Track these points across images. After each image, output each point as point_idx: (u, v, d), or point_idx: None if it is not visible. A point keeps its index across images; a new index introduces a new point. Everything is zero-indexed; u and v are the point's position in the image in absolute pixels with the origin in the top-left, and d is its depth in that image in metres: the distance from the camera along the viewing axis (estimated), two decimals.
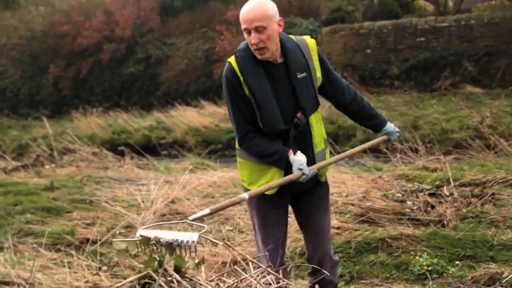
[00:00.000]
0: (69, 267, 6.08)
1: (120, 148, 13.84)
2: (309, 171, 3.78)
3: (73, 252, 6.51)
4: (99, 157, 13.15)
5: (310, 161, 3.91)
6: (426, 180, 7.34)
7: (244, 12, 3.77)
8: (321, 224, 4.19)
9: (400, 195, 6.76)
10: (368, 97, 18.21)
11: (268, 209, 4.06)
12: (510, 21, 18.40)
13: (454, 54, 19.37)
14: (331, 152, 4.42)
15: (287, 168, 3.86)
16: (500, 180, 7.04)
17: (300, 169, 3.75)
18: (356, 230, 6.12)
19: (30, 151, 18.20)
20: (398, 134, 4.34)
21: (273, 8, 3.79)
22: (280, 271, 3.71)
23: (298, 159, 3.79)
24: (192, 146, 15.92)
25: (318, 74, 3.96)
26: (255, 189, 3.83)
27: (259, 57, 3.81)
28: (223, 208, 3.73)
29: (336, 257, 4.39)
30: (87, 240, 7.10)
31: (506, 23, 18.64)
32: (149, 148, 14.57)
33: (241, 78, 3.84)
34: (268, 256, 4.03)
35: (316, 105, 3.98)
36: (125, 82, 25.03)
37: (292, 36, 3.97)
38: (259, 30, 3.71)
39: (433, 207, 6.39)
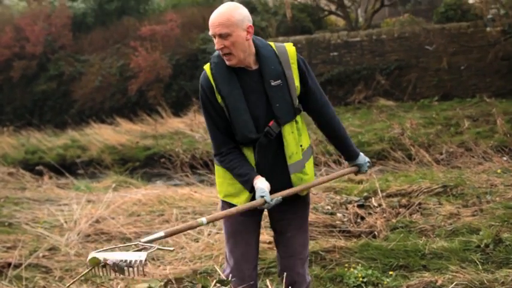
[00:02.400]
0: None
1: (37, 167, 13.45)
2: (272, 199, 3.65)
3: None
4: (15, 177, 12.73)
5: (284, 173, 3.84)
6: (353, 192, 7.44)
7: (211, 17, 3.71)
8: (293, 242, 4.06)
9: (329, 207, 6.82)
10: None
11: (238, 216, 3.88)
12: (419, 36, 18.98)
13: (367, 68, 19.84)
14: (317, 164, 4.40)
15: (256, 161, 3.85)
16: (425, 190, 7.22)
17: (262, 197, 3.65)
18: None
19: None
20: (368, 165, 4.21)
21: (240, 14, 3.69)
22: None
23: (261, 187, 3.67)
24: (109, 164, 15.63)
25: (297, 82, 3.85)
26: (215, 215, 3.79)
27: (227, 63, 3.75)
28: (179, 232, 3.60)
29: (309, 278, 4.19)
30: (9, 264, 6.82)
31: (415, 37, 19.23)
32: (65, 167, 14.22)
33: (214, 85, 3.79)
34: (235, 267, 3.99)
35: (293, 114, 3.84)
36: (37, 100, 24.44)
37: (271, 43, 3.89)
38: (222, 36, 3.65)
39: (363, 218, 6.48)
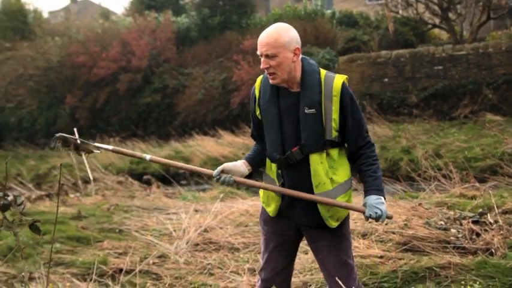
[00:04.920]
0: None
1: (145, 177, 13.76)
2: (218, 175, 3.91)
3: (109, 282, 6.35)
4: (124, 186, 13.07)
5: (309, 201, 3.84)
6: (466, 208, 7.18)
7: (260, 36, 3.77)
8: (326, 264, 3.98)
9: (442, 222, 6.60)
10: (387, 126, 18.13)
11: (269, 234, 4.10)
12: None
13: (473, 83, 19.35)
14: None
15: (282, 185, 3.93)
16: None
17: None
18: (400, 259, 5.95)
19: (48, 180, 18.15)
20: (376, 211, 3.79)
21: (288, 36, 3.71)
22: None
23: (221, 166, 3.95)
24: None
25: (335, 115, 3.76)
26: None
27: (270, 81, 3.81)
28: (124, 153, 4.15)
29: None
30: (120, 270, 6.94)
31: None
32: (166, 178, 14.47)
33: (257, 98, 3.96)
34: (264, 276, 4.09)
35: (321, 145, 3.78)
36: (142, 112, 25.08)
37: (322, 71, 3.84)
38: (269, 56, 3.70)
39: (478, 235, 6.23)
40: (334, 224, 3.88)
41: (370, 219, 3.83)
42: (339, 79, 3.78)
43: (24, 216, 3.47)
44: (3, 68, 30.85)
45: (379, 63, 21.40)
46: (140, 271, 6.72)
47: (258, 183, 3.98)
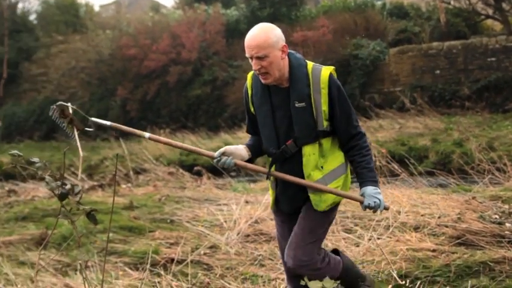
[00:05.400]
0: (158, 287, 5.99)
1: (196, 168, 13.85)
2: (219, 157, 3.96)
3: (161, 271, 6.40)
4: (175, 177, 13.19)
5: (300, 189, 3.99)
6: None
7: (247, 39, 3.83)
8: (296, 230, 4.08)
9: (497, 216, 6.46)
10: (438, 118, 17.88)
11: (277, 225, 4.37)
12: None
13: None
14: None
15: (277, 189, 4.15)
16: None
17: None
18: (453, 253, 5.86)
19: (99, 171, 18.42)
20: (375, 200, 3.88)
21: (275, 35, 3.82)
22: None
23: (223, 148, 4.03)
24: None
25: (324, 107, 3.87)
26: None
27: (262, 81, 3.90)
28: (123, 130, 4.16)
29: (320, 265, 4.10)
30: (172, 260, 6.99)
31: None
32: (217, 170, 14.54)
33: (249, 96, 4.09)
34: (283, 263, 4.28)
35: (314, 136, 3.91)
36: (192, 104, 25.23)
37: (309, 64, 3.95)
38: (260, 57, 3.78)
39: None
40: (325, 209, 4.00)
41: (367, 209, 3.94)
42: (325, 71, 3.88)
43: (81, 205, 3.52)
44: (56, 61, 31.41)
45: (431, 55, 21.14)
46: (191, 261, 6.77)
47: (255, 167, 4.07)
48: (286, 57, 3.90)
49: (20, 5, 36.22)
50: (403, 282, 5.12)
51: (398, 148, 14.60)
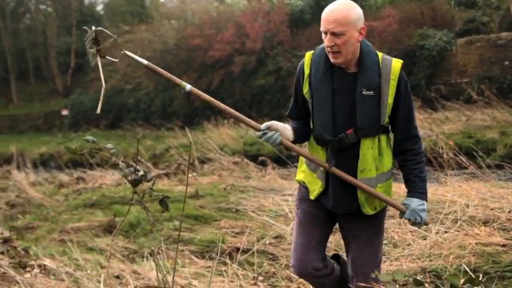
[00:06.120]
0: (225, 276, 6.02)
1: (260, 158, 13.88)
2: (265, 130, 3.64)
3: (227, 260, 6.43)
4: (240, 166, 13.24)
5: (352, 186, 3.69)
6: None
7: (325, 13, 3.57)
8: (357, 255, 3.88)
9: None
10: (507, 111, 17.47)
11: (304, 213, 3.97)
12: None
13: None
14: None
15: (326, 184, 3.79)
16: None
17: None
18: None
19: (164, 160, 18.64)
20: (416, 217, 3.72)
21: (356, 14, 3.54)
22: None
23: (269, 122, 3.71)
24: None
25: (390, 100, 3.62)
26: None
27: (331, 60, 3.61)
28: (161, 74, 3.71)
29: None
30: (237, 249, 7.02)
31: None
32: (281, 160, 14.54)
33: (306, 76, 3.73)
34: (296, 257, 3.94)
35: (376, 129, 3.65)
36: (256, 94, 25.27)
37: (379, 54, 3.69)
38: (336, 34, 3.51)
39: None
40: (370, 212, 3.77)
41: (405, 220, 3.81)
42: (397, 63, 3.65)
43: (153, 192, 3.54)
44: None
45: (500, 46, 20.62)
46: (257, 251, 6.77)
47: (304, 152, 3.81)
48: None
49: None
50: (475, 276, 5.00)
51: (465, 141, 14.31)
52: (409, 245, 6.41)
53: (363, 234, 3.85)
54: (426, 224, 3.81)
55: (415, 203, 3.70)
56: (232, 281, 5.94)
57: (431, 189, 8.44)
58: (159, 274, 3.67)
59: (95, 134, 27.55)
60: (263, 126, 3.65)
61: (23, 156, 20.88)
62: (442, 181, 8.57)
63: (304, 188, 3.98)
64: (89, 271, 6.44)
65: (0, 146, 28.23)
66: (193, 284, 5.89)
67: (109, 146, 3.50)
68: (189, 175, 12.44)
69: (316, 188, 3.82)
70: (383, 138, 3.70)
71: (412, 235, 6.66)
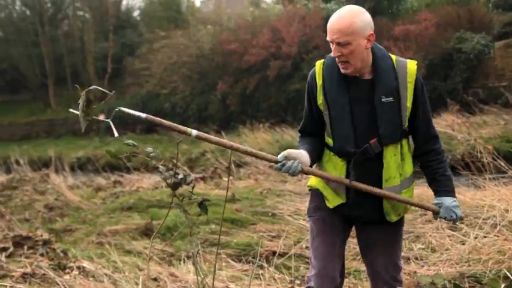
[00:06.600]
0: (262, 279, 6.03)
1: None
2: (283, 161, 3.50)
3: (264, 264, 6.44)
4: (276, 171, 13.22)
5: (376, 196, 3.57)
6: None
7: (330, 22, 3.43)
8: (376, 263, 3.77)
9: None
10: None
11: (324, 215, 3.77)
12: None
13: None
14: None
15: (347, 196, 3.64)
16: None
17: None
18: None
19: (199, 164, 18.73)
20: (452, 214, 3.61)
21: (362, 21, 3.38)
22: None
23: (286, 151, 3.53)
24: None
25: (409, 103, 3.49)
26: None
27: (342, 70, 3.48)
28: (161, 123, 3.43)
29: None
30: (274, 252, 7.02)
31: None
32: None
33: (319, 87, 3.58)
34: (320, 266, 3.71)
35: (399, 136, 3.52)
36: (291, 98, 25.26)
37: (392, 56, 3.53)
38: (341, 44, 3.37)
39: None
40: (395, 219, 3.68)
41: (440, 219, 3.68)
42: (412, 64, 3.51)
43: (193, 194, 3.57)
44: (158, 56, 32.18)
45: None
46: (294, 254, 6.77)
47: (329, 175, 3.61)
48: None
49: (124, 2, 37.49)
50: None
51: (504, 145, 14.13)
52: (447, 249, 6.35)
53: (385, 240, 3.75)
54: (461, 219, 3.70)
55: (447, 201, 3.60)
56: (269, 285, 5.94)
57: (470, 193, 8.38)
58: (198, 277, 3.68)
59: (131, 138, 27.37)
60: (280, 157, 3.52)
61: (60, 159, 21.15)
62: (480, 185, 8.47)
63: (319, 195, 3.83)
64: (127, 273, 6.50)
65: (39, 150, 28.66)
66: (230, 287, 5.92)
67: (149, 149, 3.54)
68: (225, 179, 12.51)
69: (336, 199, 3.70)
70: (404, 143, 3.59)
71: (450, 240, 6.60)
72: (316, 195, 3.85)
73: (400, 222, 3.77)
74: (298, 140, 3.84)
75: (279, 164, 3.52)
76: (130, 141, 3.53)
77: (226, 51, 27.15)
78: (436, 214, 3.68)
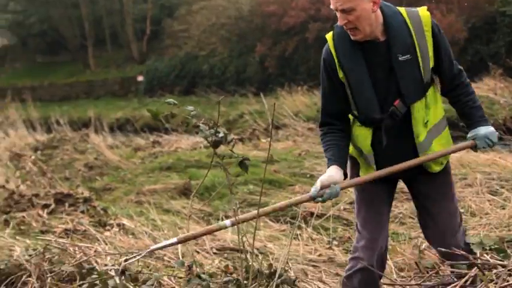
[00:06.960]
0: (300, 240, 6.06)
1: None
2: (317, 196, 3.38)
3: (302, 224, 6.46)
4: (314, 133, 13.23)
5: (411, 154, 3.49)
6: None
7: None
8: (439, 218, 3.61)
9: None
10: None
11: (369, 184, 3.58)
12: None
13: None
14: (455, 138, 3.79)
15: (378, 166, 3.55)
16: None
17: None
18: None
19: (237, 126, 18.77)
20: (488, 142, 3.55)
21: None
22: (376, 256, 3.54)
23: (317, 183, 3.41)
24: None
25: (430, 52, 3.42)
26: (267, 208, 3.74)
27: (351, 37, 3.38)
28: (195, 237, 3.53)
29: (463, 245, 3.60)
30: (311, 214, 7.03)
31: None
32: None
33: (336, 60, 3.46)
34: (369, 237, 3.60)
35: (422, 91, 3.43)
36: None
37: (402, 10, 3.43)
38: (345, 11, 3.27)
39: None
40: (437, 169, 3.57)
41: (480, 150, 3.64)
42: (424, 11, 3.42)
43: (234, 153, 3.58)
44: (197, 18, 32.14)
45: None
46: (331, 216, 6.78)
47: (363, 178, 3.55)
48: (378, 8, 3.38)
49: None
50: None
51: None
52: (486, 214, 6.31)
53: (438, 193, 3.65)
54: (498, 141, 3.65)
55: (482, 130, 3.55)
56: (307, 245, 5.99)
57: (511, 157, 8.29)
58: (239, 236, 3.71)
59: (170, 98, 27.91)
60: (313, 192, 3.41)
61: (100, 120, 21.33)
62: None
63: (358, 163, 3.72)
64: (165, 231, 6.59)
65: (78, 111, 28.98)
66: (268, 247, 5.97)
67: (190, 107, 3.55)
68: (264, 140, 12.56)
69: (369, 169, 3.61)
70: (430, 91, 3.51)
71: (490, 204, 6.57)
72: (355, 162, 3.75)
73: (446, 169, 3.68)
74: (320, 139, 3.70)
75: (319, 199, 3.42)
76: (171, 100, 3.54)
77: (265, 13, 26.93)
78: (474, 148, 3.63)
